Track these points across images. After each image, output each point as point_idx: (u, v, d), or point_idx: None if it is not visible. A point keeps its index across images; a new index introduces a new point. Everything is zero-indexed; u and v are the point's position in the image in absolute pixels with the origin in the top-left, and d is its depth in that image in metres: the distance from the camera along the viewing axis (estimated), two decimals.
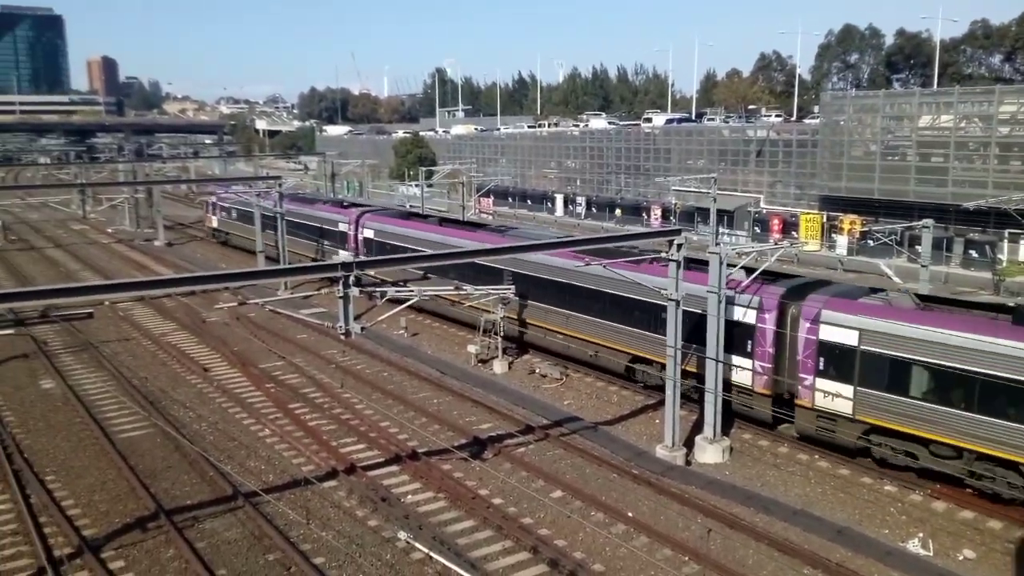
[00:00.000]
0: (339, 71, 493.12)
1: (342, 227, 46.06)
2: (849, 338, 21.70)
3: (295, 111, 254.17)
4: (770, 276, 24.96)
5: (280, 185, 48.41)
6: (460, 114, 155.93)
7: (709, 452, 23.03)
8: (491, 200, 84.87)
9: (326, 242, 47.59)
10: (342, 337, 18.63)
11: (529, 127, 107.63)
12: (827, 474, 22.27)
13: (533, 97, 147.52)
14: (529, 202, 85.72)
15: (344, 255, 44.27)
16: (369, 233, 43.68)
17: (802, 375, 22.84)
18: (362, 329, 18.50)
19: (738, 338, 24.10)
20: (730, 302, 23.62)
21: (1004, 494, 19.24)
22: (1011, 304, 22.10)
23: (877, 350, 21.12)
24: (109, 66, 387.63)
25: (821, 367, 22.38)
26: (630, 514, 19.58)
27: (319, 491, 20.60)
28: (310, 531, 18.52)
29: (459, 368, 31.87)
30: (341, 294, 17.68)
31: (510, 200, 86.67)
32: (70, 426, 25.57)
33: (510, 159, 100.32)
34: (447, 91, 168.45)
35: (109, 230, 73.21)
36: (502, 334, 32.22)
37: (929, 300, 22.77)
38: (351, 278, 17.65)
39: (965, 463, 19.95)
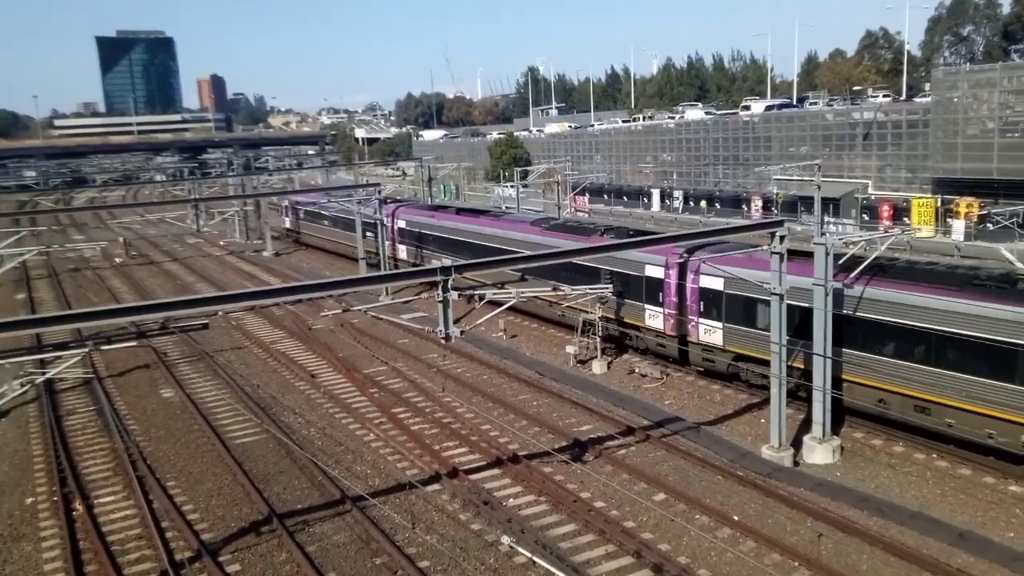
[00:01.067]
0: (434, 76, 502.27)
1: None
2: (718, 284, 27.14)
3: (392, 118, 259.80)
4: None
5: (379, 192, 49.60)
6: (553, 112, 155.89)
7: (818, 452, 22.22)
8: (586, 198, 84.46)
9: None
10: (442, 341, 18.85)
11: (623, 122, 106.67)
12: (946, 474, 21.15)
13: (627, 91, 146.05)
14: (625, 198, 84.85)
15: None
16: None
17: (691, 317, 28.39)
18: (461, 333, 18.66)
19: (653, 291, 30.17)
20: (648, 262, 30.04)
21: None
22: None
23: (736, 292, 26.36)
24: (217, 84, 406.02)
25: (703, 309, 27.93)
26: (736, 517, 19.08)
27: (423, 495, 20.93)
28: (415, 535, 18.83)
29: (558, 369, 31.82)
30: (440, 298, 17.87)
31: (605, 197, 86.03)
32: (188, 433, 26.84)
33: (605, 155, 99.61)
34: (540, 90, 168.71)
35: (221, 242, 76.64)
36: (600, 334, 32.00)
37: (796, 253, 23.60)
38: (450, 282, 17.79)
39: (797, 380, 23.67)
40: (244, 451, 24.81)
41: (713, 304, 27.68)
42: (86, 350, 31.66)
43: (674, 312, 29.41)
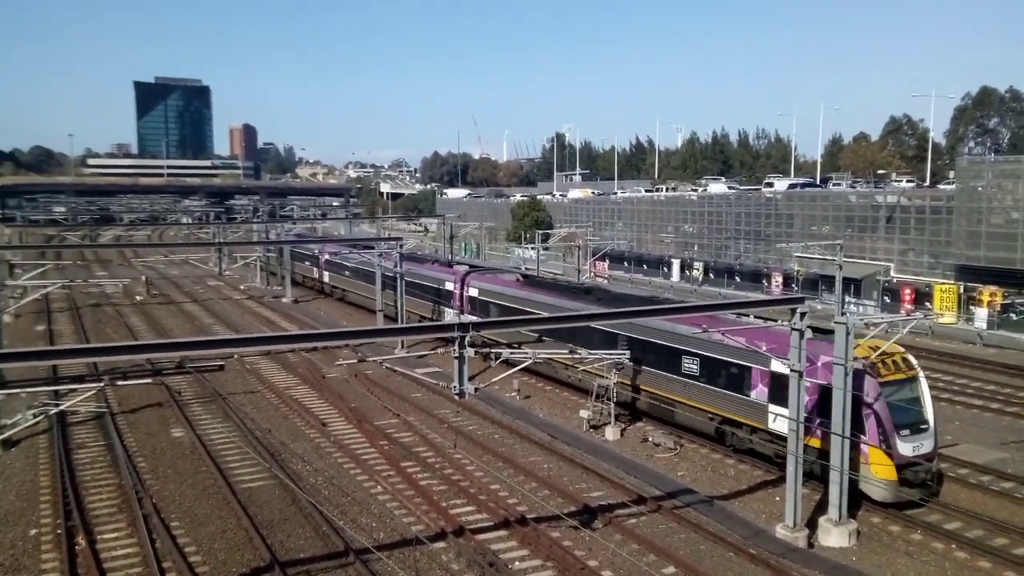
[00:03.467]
0: (461, 136, 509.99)
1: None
2: (475, 293, 43.74)
3: (417, 175, 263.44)
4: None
5: (400, 246, 50.01)
6: (577, 178, 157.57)
7: (834, 535, 21.73)
8: (606, 264, 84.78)
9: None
10: (456, 397, 18.76)
11: (646, 191, 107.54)
12: (964, 565, 20.58)
13: (651, 161, 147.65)
14: (645, 266, 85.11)
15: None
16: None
17: (463, 312, 43.21)
18: (475, 390, 18.57)
19: (448, 297, 46.31)
20: (446, 277, 47.47)
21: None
22: None
23: (484, 298, 42.73)
24: (249, 133, 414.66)
25: (469, 308, 43.87)
26: None
27: (428, 551, 20.58)
28: None
29: (570, 433, 31.51)
30: (456, 355, 17.83)
31: (625, 264, 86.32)
32: (196, 474, 26.66)
33: (626, 223, 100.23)
34: (565, 155, 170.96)
35: (242, 287, 77.25)
36: (615, 400, 31.74)
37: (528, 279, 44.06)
38: (466, 339, 17.78)
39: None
40: (250, 496, 24.59)
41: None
42: (101, 384, 31.72)
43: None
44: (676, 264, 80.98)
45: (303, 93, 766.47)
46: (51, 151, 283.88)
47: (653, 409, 31.73)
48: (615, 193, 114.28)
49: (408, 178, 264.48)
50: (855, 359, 21.70)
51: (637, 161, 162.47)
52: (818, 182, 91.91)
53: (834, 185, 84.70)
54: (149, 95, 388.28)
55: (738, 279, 72.32)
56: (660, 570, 19.78)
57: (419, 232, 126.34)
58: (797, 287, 63.77)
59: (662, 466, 27.93)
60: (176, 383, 38.97)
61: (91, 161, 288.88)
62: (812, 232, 71.53)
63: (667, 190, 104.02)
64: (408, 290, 48.67)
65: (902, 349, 25.51)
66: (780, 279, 67.58)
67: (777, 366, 24.60)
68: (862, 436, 23.21)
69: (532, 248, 78.19)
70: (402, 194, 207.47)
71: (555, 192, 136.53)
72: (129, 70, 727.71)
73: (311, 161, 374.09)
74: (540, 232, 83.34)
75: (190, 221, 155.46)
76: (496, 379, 27.53)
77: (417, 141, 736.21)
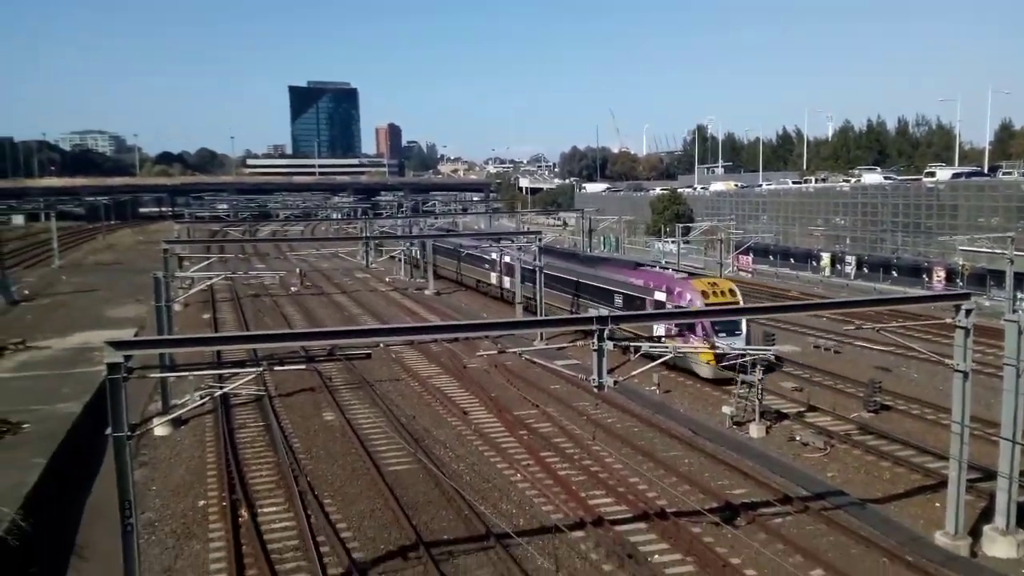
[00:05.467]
0: (599, 131, 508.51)
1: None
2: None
3: (556, 169, 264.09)
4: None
5: (539, 240, 50.37)
6: (719, 170, 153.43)
7: (1000, 544, 20.24)
8: (750, 258, 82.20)
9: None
10: (595, 390, 18.75)
11: (794, 183, 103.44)
12: None
13: (798, 152, 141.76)
14: (792, 260, 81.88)
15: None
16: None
17: None
18: (615, 383, 18.48)
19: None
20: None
21: None
22: None
23: None
24: (394, 132, 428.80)
25: None
26: None
27: (567, 540, 20.69)
28: None
29: (712, 429, 30.83)
30: (596, 347, 17.82)
31: (771, 258, 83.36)
32: (346, 456, 27.92)
33: (772, 216, 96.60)
34: (707, 148, 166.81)
35: (387, 279, 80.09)
36: (760, 396, 30.80)
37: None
38: (606, 332, 17.73)
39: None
40: (396, 478, 25.50)
41: None
42: (260, 369, 33.49)
43: None
44: (826, 258, 77.43)
45: (444, 92, 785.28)
46: (215, 152, 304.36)
47: None
48: (759, 185, 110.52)
49: (547, 173, 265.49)
50: None
51: (784, 152, 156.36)
52: (986, 171, 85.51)
53: (1004, 174, 78.47)
54: (302, 98, 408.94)
55: (895, 273, 68.38)
56: (807, 572, 19.08)
57: (558, 226, 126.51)
58: (962, 282, 59.66)
59: (810, 466, 26.86)
60: (327, 369, 40.85)
61: (250, 161, 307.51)
62: (979, 224, 66.58)
63: (816, 181, 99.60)
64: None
65: None
66: (942, 274, 63.44)
67: None
68: None
69: (672, 241, 76.95)
70: (540, 189, 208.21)
71: (696, 185, 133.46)
72: (284, 74, 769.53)
73: (452, 158, 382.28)
74: (680, 225, 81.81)
75: (339, 216, 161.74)
76: (636, 372, 27.25)
77: (555, 136, 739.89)
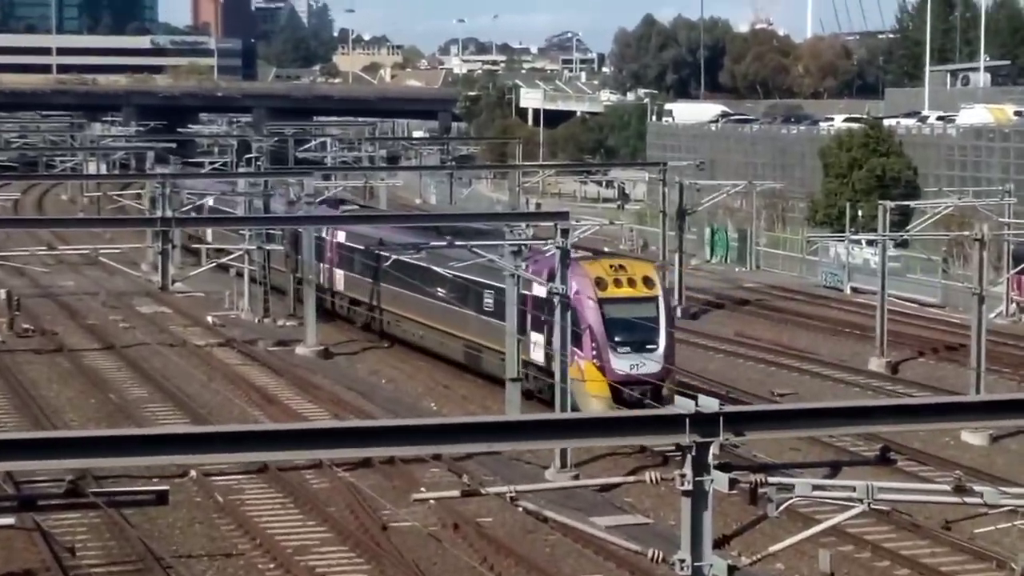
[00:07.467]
0: None
1: None
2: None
3: (604, 70, 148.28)
4: None
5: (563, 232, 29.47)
6: (981, 76, 79.12)
7: None
8: None
9: None
10: None
11: None
12: None
13: None
14: None
15: None
16: None
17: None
18: (732, 571, 7.12)
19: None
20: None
21: None
22: None
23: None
24: None
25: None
26: None
27: None
28: None
29: None
30: (684, 486, 8.06)
31: None
32: None
33: None
34: (953, 25, 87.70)
35: (210, 317, 28.61)
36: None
37: None
38: (711, 450, 6.75)
39: None
40: None
41: None
42: None
43: None
44: None
45: None
46: None
47: None
48: None
49: (583, 76, 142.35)
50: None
51: None
52: None
53: None
54: None
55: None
56: None
57: (609, 201, 73.69)
58: None
59: None
60: (65, 526, 17.13)
61: None
62: None
63: None
64: None
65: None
66: None
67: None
68: None
69: (867, 241, 38.44)
70: (571, 113, 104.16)
71: (927, 110, 67.53)
72: None
73: (367, 39, 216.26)
74: (887, 204, 37.01)
75: (105, 169, 74.02)
76: (782, 545, 9.43)
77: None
